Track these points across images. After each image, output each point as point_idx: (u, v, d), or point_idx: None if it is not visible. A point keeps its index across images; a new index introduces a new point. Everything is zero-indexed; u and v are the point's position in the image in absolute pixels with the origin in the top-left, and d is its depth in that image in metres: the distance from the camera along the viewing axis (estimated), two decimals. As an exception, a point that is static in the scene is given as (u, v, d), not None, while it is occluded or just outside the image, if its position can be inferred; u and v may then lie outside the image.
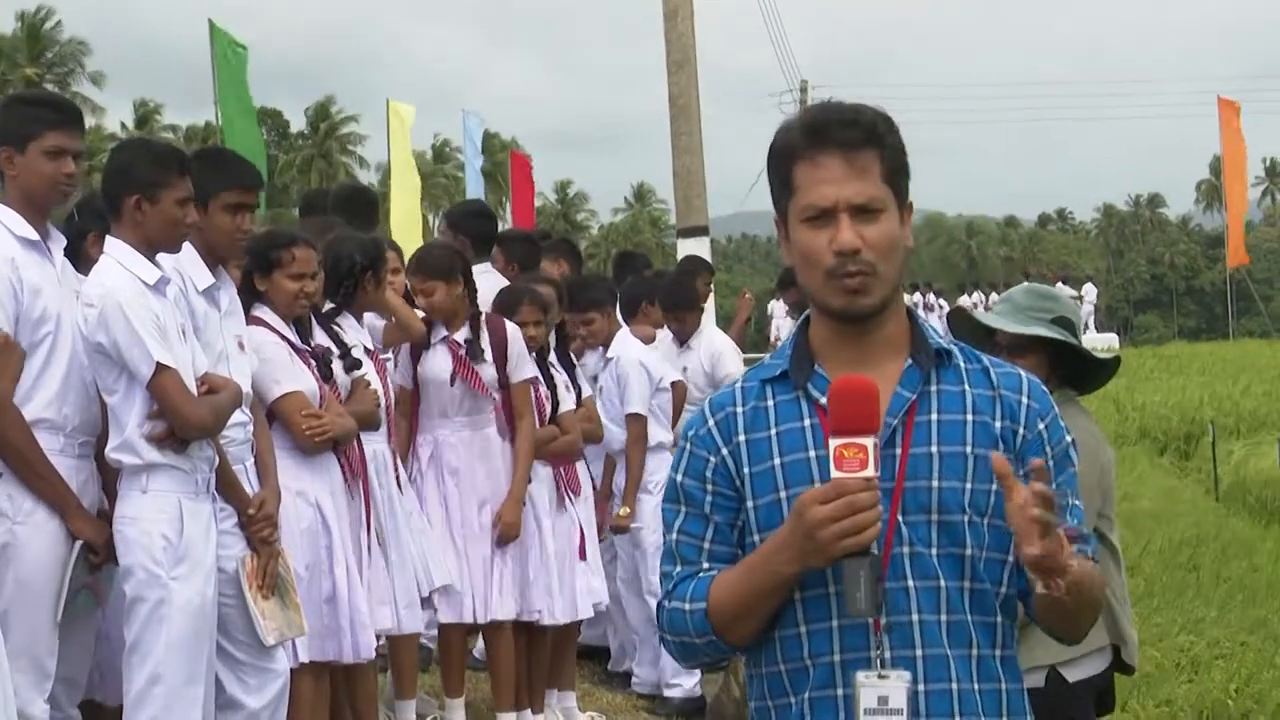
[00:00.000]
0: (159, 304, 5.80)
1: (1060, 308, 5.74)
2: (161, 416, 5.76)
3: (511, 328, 8.25)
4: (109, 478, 5.94)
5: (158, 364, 5.67)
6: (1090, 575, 3.19)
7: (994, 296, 46.84)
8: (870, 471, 3.06)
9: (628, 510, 9.60)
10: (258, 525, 6.17)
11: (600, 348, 10.25)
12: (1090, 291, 48.66)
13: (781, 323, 34.99)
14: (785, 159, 3.30)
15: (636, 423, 9.75)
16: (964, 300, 46.11)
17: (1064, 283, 48.85)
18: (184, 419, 5.77)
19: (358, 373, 7.18)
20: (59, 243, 6.06)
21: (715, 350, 10.86)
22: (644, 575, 9.71)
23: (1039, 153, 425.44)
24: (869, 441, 3.06)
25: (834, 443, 3.09)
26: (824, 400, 3.25)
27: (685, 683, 9.67)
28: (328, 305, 7.37)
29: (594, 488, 9.39)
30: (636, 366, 9.83)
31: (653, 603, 9.48)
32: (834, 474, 3.07)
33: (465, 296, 8.21)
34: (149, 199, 5.84)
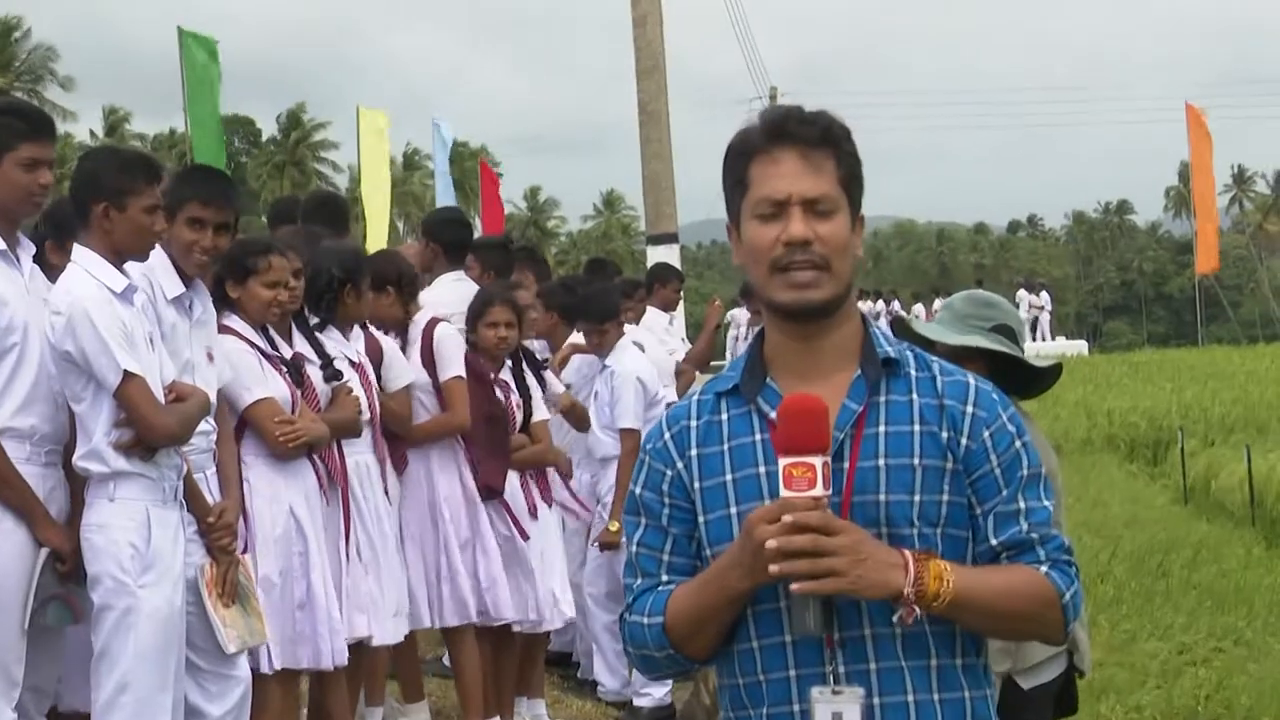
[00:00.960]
0: (126, 312, 5.78)
1: (1000, 315, 5.72)
2: (129, 424, 5.73)
3: (441, 330, 8.21)
4: (77, 486, 5.92)
5: (125, 372, 5.66)
6: (984, 588, 3.19)
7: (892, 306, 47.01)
8: (819, 491, 3.05)
9: (617, 526, 9.55)
10: (217, 534, 6.15)
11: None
12: (1046, 299, 48.69)
13: (740, 332, 34.70)
14: (741, 157, 3.31)
15: (629, 437, 9.69)
16: (917, 308, 46.13)
17: (1026, 289, 48.96)
18: (151, 427, 5.75)
19: (338, 383, 7.16)
20: (28, 250, 6.04)
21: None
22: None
23: (1010, 159, 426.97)
24: (818, 460, 3.06)
25: (783, 462, 3.08)
26: (774, 415, 3.24)
27: (655, 692, 9.66)
28: (313, 319, 7.35)
29: (572, 493, 9.38)
30: (632, 380, 9.82)
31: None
32: (783, 493, 3.07)
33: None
34: (116, 207, 5.82)
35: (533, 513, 8.53)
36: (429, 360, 8.10)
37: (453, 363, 8.19)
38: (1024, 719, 5.54)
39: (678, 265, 18.35)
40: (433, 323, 8.25)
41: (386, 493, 7.50)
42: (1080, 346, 50.10)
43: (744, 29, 64.93)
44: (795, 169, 3.23)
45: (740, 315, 34.77)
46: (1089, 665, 5.88)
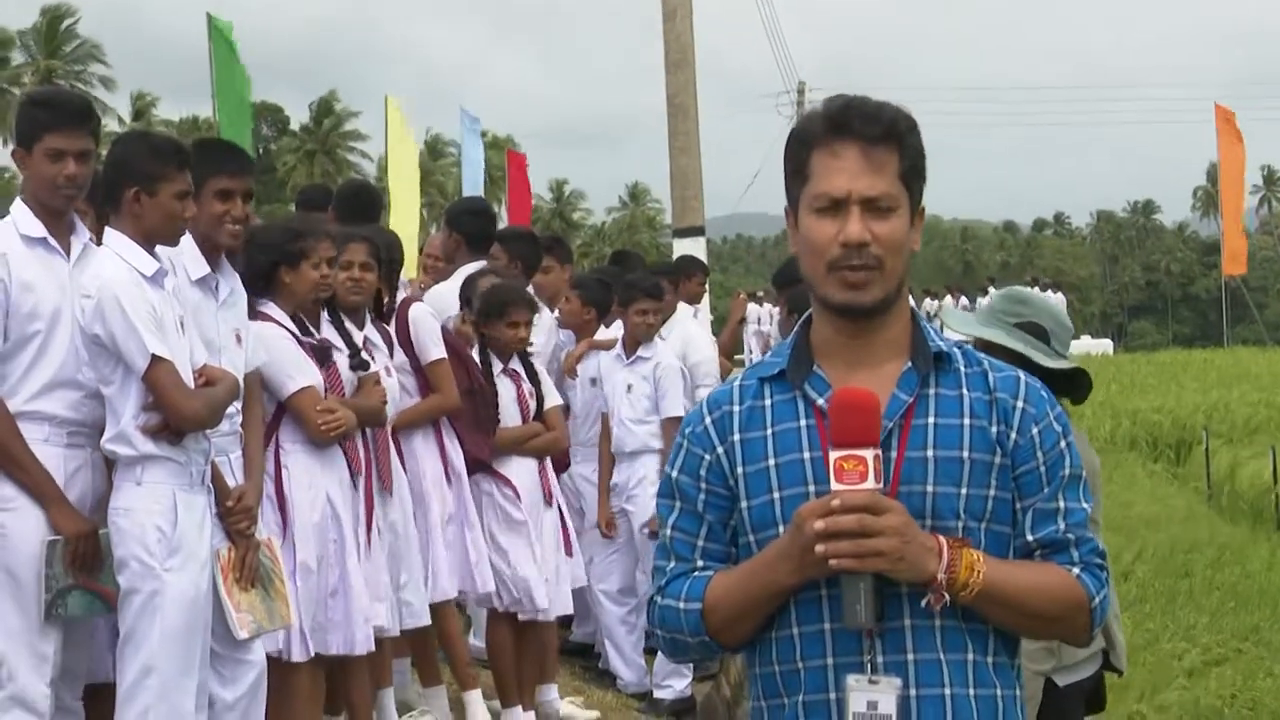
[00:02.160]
0: (156, 295, 5.79)
1: (1030, 313, 5.67)
2: (156, 409, 5.74)
3: (415, 312, 8.19)
4: (111, 468, 5.93)
5: (153, 356, 5.66)
6: (1013, 584, 3.20)
7: (963, 301, 46.92)
8: (871, 484, 3.06)
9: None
10: (235, 517, 6.15)
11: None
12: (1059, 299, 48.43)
13: (759, 327, 34.03)
14: (803, 146, 3.28)
15: (674, 425, 9.63)
16: (928, 303, 46.07)
17: (1033, 285, 48.68)
18: (178, 411, 5.75)
19: (364, 372, 7.17)
20: (82, 236, 6.05)
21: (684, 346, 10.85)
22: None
23: (1037, 158, 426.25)
24: (869, 454, 3.06)
25: (834, 455, 3.08)
26: (821, 401, 3.24)
27: (676, 684, 9.65)
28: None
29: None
30: (675, 371, 9.85)
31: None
32: (834, 486, 3.07)
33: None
34: (147, 192, 5.84)
35: (548, 500, 8.52)
36: (405, 341, 8.08)
37: (434, 345, 8.17)
38: (1059, 716, 5.55)
39: (704, 259, 18.34)
40: (406, 303, 8.24)
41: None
42: (1105, 346, 50.07)
43: (773, 24, 64.96)
44: (856, 166, 3.20)
45: (755, 311, 34.48)
46: (1124, 663, 5.87)
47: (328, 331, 7.19)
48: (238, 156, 6.61)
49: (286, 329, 6.93)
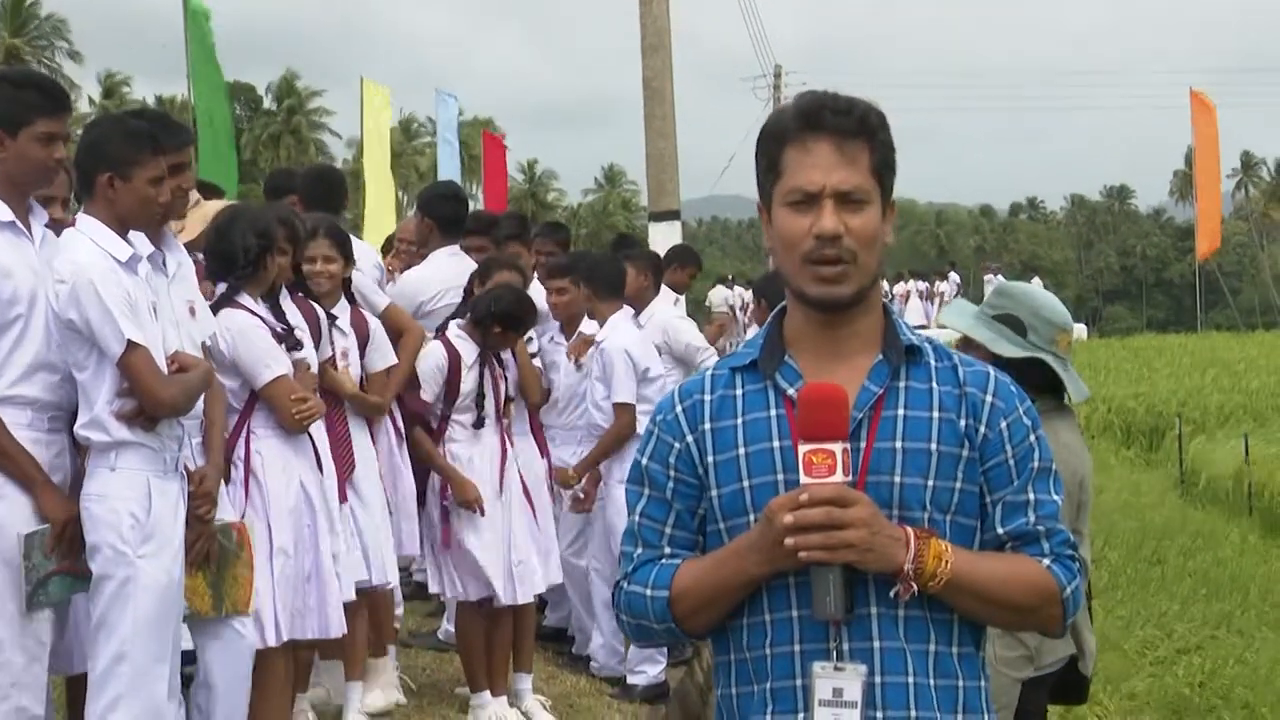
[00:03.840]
0: (130, 281, 5.77)
1: (1011, 305, 5.70)
2: (131, 394, 5.73)
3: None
4: (82, 454, 5.92)
5: (128, 342, 5.65)
6: (981, 574, 3.23)
7: (936, 284, 46.94)
8: (839, 477, 3.10)
9: (573, 473, 9.72)
10: (196, 502, 6.09)
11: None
12: (954, 280, 48.14)
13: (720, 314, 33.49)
14: (775, 142, 3.31)
15: (624, 411, 9.65)
16: (900, 288, 46.12)
17: (993, 274, 48.50)
18: (154, 397, 5.74)
19: (298, 354, 7.15)
20: (40, 219, 6.01)
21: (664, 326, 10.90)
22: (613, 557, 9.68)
23: (1013, 142, 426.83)
24: (838, 448, 3.10)
25: (803, 449, 3.12)
26: (791, 391, 3.29)
27: (650, 670, 9.65)
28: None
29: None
30: (621, 354, 9.74)
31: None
32: (803, 479, 3.11)
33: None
34: (121, 177, 5.81)
35: (501, 487, 8.49)
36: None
37: (378, 297, 8.44)
38: (1022, 708, 5.59)
39: (679, 240, 18.32)
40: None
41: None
42: (1080, 331, 50.12)
43: (750, 7, 64.83)
44: (829, 160, 3.24)
45: (716, 296, 34.08)
46: (1091, 668, 5.90)
47: (261, 310, 7.13)
48: (174, 128, 6.57)
49: (260, 317, 6.92)
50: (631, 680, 9.68)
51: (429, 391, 8.40)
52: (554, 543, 9.00)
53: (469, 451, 8.41)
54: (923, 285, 47.17)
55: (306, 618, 6.88)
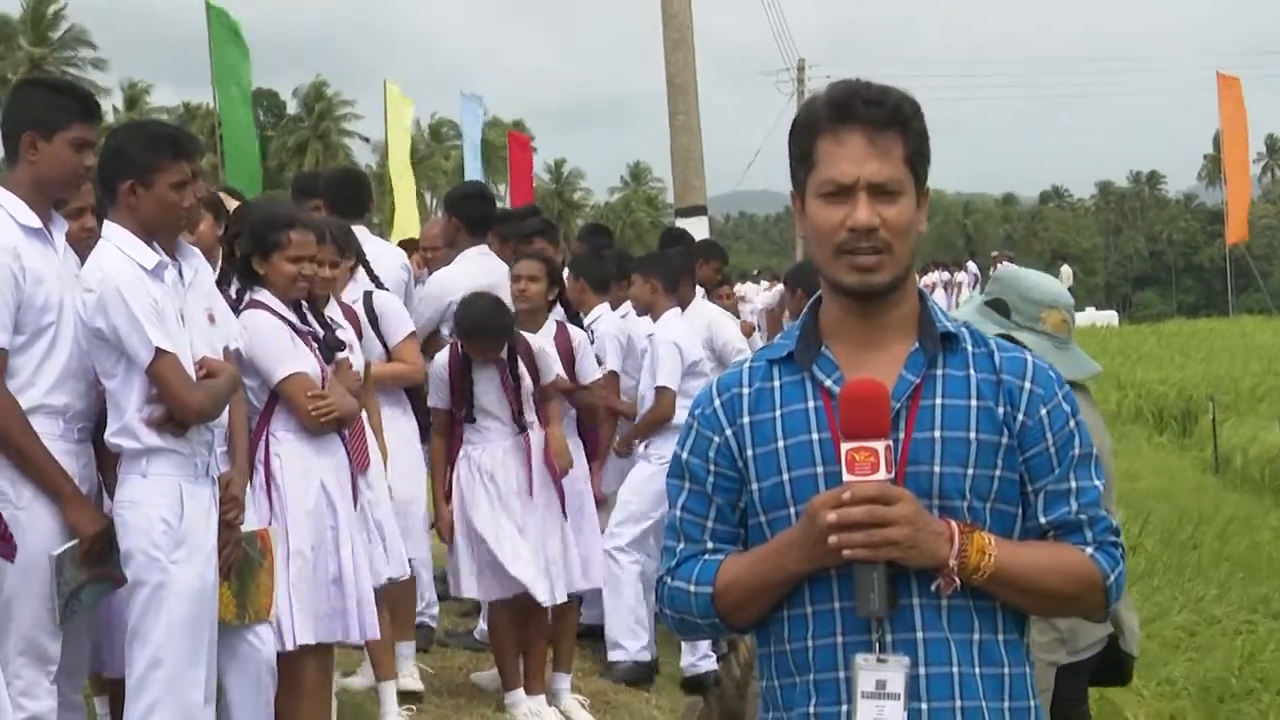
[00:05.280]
0: (157, 288, 5.77)
1: (998, 289, 5.82)
2: (160, 401, 5.73)
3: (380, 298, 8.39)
4: (105, 461, 5.92)
5: (157, 349, 5.65)
6: (1025, 566, 3.23)
7: (955, 275, 46.87)
8: (882, 475, 3.10)
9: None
10: (224, 506, 6.07)
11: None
12: (972, 271, 47.98)
13: (752, 307, 33.33)
14: (808, 133, 3.30)
15: (665, 394, 9.78)
16: (928, 279, 46.10)
17: (996, 262, 48.37)
18: (183, 404, 5.75)
19: (341, 355, 7.14)
20: (60, 227, 6.02)
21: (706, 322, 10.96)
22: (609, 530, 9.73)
23: (1040, 130, 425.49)
24: (880, 445, 3.11)
25: (845, 446, 3.13)
26: (829, 383, 3.28)
27: (630, 646, 9.62)
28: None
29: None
30: (670, 344, 9.83)
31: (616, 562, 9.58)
32: (846, 477, 3.11)
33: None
34: (143, 184, 5.81)
35: (529, 488, 8.47)
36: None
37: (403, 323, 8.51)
38: (1058, 694, 5.58)
39: (706, 236, 18.31)
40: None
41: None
42: (1110, 317, 50.04)
43: (772, 0, 64.61)
44: (861, 152, 3.22)
45: (751, 290, 34.07)
46: (1136, 648, 5.88)
47: (283, 310, 7.11)
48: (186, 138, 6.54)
49: (281, 316, 6.88)
50: (613, 655, 9.66)
51: (435, 396, 8.46)
52: (594, 544, 8.96)
53: (480, 454, 8.40)
54: (946, 276, 47.11)
55: (334, 620, 6.80)
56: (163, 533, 5.70)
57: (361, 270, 8.52)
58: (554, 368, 8.63)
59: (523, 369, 8.45)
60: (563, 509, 8.55)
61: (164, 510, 5.72)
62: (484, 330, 8.33)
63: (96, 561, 5.77)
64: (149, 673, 5.69)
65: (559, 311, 9.26)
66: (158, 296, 5.75)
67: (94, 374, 5.85)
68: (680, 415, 9.61)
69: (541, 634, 8.53)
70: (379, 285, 8.51)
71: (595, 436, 9.58)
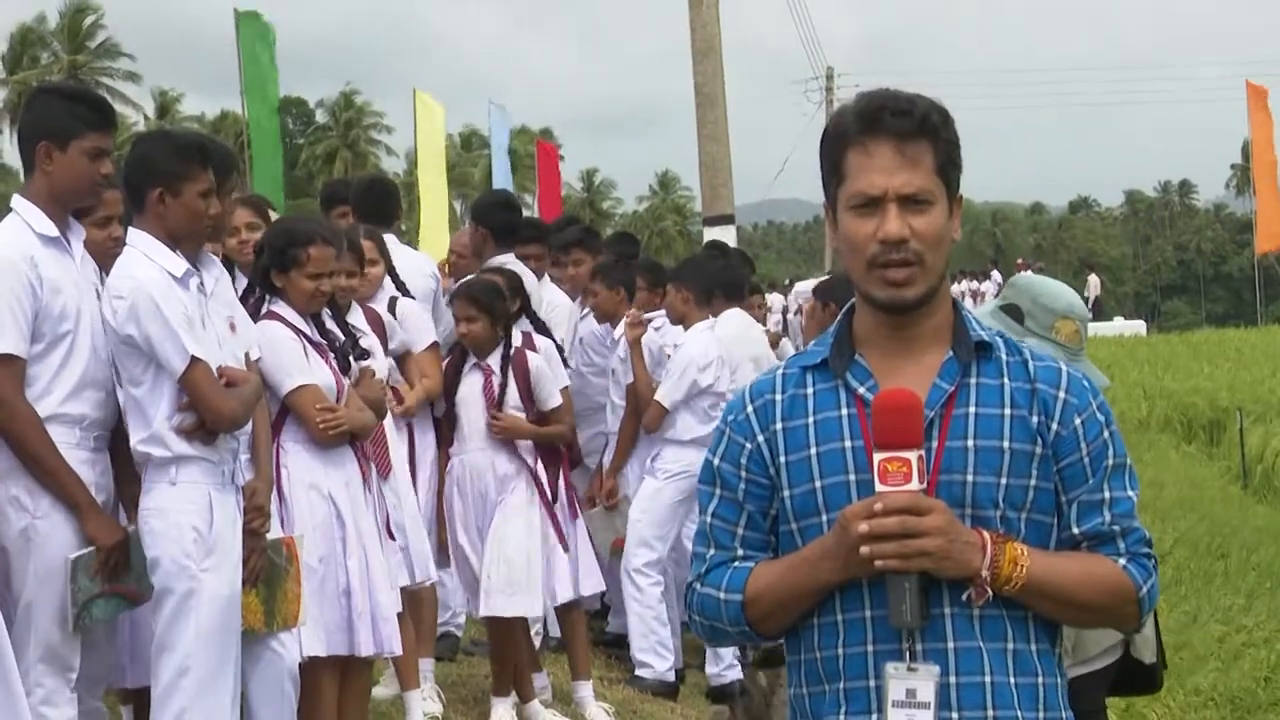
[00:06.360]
0: (186, 297, 5.79)
1: (1013, 295, 5.79)
2: (191, 409, 5.75)
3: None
4: (120, 471, 5.93)
5: (192, 357, 5.68)
6: (1057, 577, 3.22)
7: (981, 284, 46.84)
8: (915, 485, 3.10)
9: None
10: (249, 515, 6.08)
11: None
12: (996, 280, 47.91)
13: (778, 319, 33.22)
14: (837, 145, 3.29)
15: (658, 409, 9.73)
16: (963, 284, 46.07)
17: (1022, 269, 48.31)
18: (216, 412, 5.77)
19: (365, 362, 7.16)
20: (79, 236, 6.02)
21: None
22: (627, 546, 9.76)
23: (1068, 139, 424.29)
24: (913, 455, 3.11)
25: (878, 456, 3.13)
26: (862, 390, 3.28)
27: (657, 665, 9.64)
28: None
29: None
30: (685, 364, 9.80)
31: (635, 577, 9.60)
32: (879, 487, 3.12)
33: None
34: (172, 192, 5.83)
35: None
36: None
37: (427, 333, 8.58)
38: (1074, 704, 5.56)
39: (734, 246, 18.30)
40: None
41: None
42: (1139, 326, 49.86)
43: (801, 8, 64.80)
44: (891, 163, 3.22)
45: (777, 302, 33.94)
46: (1150, 655, 5.84)
47: (329, 325, 7.12)
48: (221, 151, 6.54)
49: (296, 328, 6.87)
50: (640, 672, 9.67)
51: (437, 404, 8.55)
52: (581, 547, 8.83)
53: (459, 464, 8.48)
54: (974, 285, 47.07)
55: (347, 633, 6.75)
56: (193, 540, 5.72)
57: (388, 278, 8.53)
58: (555, 394, 8.60)
59: (512, 383, 8.44)
60: (552, 517, 8.52)
61: (194, 518, 5.74)
62: (465, 295, 8.44)
63: (112, 574, 5.75)
64: (177, 680, 5.69)
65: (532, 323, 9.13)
66: (187, 304, 5.76)
67: (111, 383, 5.86)
68: (674, 430, 9.71)
69: (501, 642, 8.44)
70: (406, 294, 8.53)
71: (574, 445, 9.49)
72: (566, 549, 8.57)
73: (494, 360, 8.49)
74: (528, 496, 8.43)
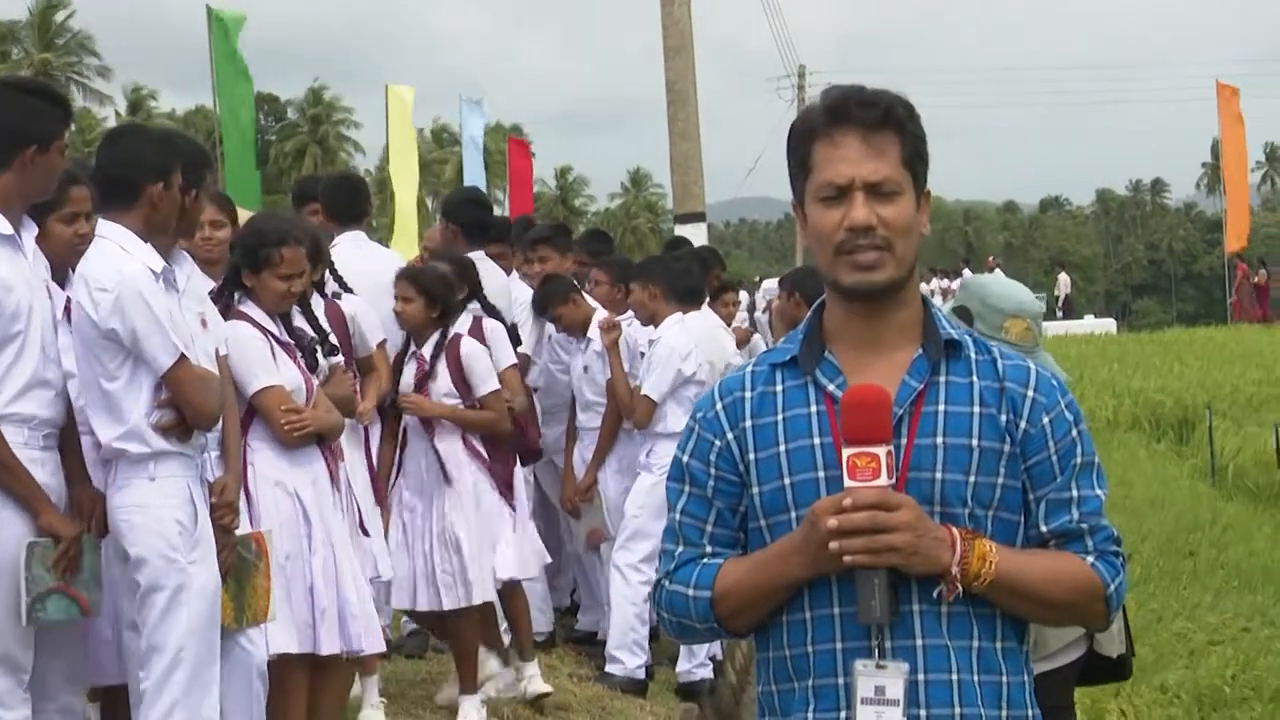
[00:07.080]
0: (165, 292, 5.79)
1: (963, 296, 5.83)
2: (173, 405, 5.74)
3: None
4: (67, 469, 5.84)
5: (180, 354, 5.68)
6: (1026, 573, 3.24)
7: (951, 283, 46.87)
8: (883, 480, 3.11)
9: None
10: (219, 512, 6.06)
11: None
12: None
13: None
14: (804, 139, 3.32)
15: (646, 403, 9.78)
16: (935, 283, 46.08)
17: (991, 268, 48.37)
18: (201, 409, 5.78)
19: (334, 359, 7.16)
20: (30, 232, 5.98)
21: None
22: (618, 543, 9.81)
23: (1040, 137, 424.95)
24: (882, 451, 3.12)
25: (847, 452, 3.14)
26: (831, 387, 3.29)
27: (628, 662, 9.66)
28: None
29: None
30: (668, 353, 9.83)
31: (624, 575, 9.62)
32: (847, 483, 3.13)
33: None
34: (166, 185, 5.84)
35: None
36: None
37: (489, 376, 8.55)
38: (1041, 700, 5.58)
39: (705, 243, 18.33)
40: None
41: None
42: (1109, 325, 49.93)
43: (774, 6, 64.75)
44: (857, 152, 3.25)
45: (744, 300, 33.84)
46: (1116, 649, 5.86)
47: (299, 322, 7.16)
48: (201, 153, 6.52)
49: (264, 328, 6.86)
50: (610, 668, 9.68)
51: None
52: (527, 530, 8.93)
53: (406, 453, 8.56)
54: (946, 283, 47.09)
55: (315, 630, 6.75)
56: (178, 534, 5.71)
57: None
58: (489, 381, 8.57)
59: (443, 370, 8.45)
60: (502, 498, 8.59)
61: (177, 512, 5.74)
62: (406, 275, 8.52)
63: (69, 568, 5.67)
64: (169, 675, 5.69)
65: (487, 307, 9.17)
66: (165, 300, 5.76)
67: (61, 382, 5.79)
68: (665, 424, 9.72)
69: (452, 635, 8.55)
70: (348, 291, 8.42)
71: (529, 434, 9.48)
72: (514, 530, 8.66)
73: (428, 349, 8.50)
74: (472, 484, 8.47)
